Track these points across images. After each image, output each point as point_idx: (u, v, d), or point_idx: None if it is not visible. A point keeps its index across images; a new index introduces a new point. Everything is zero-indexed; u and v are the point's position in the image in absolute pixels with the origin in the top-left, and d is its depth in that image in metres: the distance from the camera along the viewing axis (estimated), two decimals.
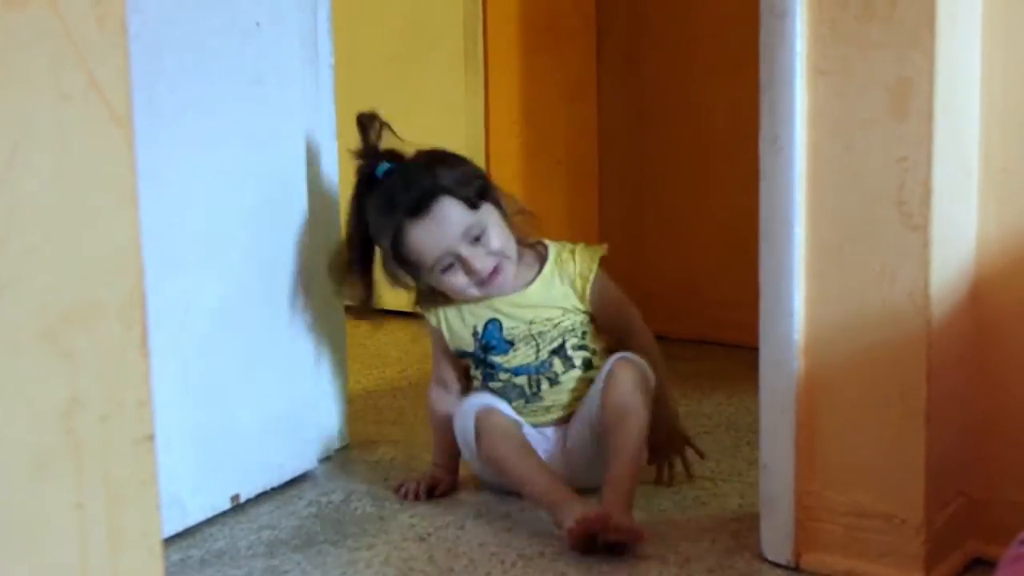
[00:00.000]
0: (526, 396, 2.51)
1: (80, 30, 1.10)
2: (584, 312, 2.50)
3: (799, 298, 2.14)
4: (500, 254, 2.40)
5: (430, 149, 2.48)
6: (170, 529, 2.39)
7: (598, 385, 2.44)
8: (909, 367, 2.06)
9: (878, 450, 2.11)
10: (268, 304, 2.64)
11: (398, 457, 2.89)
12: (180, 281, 2.39)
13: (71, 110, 1.10)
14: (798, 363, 2.14)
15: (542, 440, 2.53)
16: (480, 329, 2.49)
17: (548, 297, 2.48)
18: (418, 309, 2.57)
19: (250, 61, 2.51)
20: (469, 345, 2.52)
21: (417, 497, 2.55)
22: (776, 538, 2.24)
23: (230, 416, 2.56)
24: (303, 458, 2.76)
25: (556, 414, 2.53)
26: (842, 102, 2.08)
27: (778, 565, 2.24)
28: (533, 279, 2.49)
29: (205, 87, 2.42)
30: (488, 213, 2.41)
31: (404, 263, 2.45)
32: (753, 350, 2.24)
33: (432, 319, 2.55)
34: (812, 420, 2.16)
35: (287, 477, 2.72)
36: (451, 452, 2.59)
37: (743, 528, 2.41)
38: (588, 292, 2.49)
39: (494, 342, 2.49)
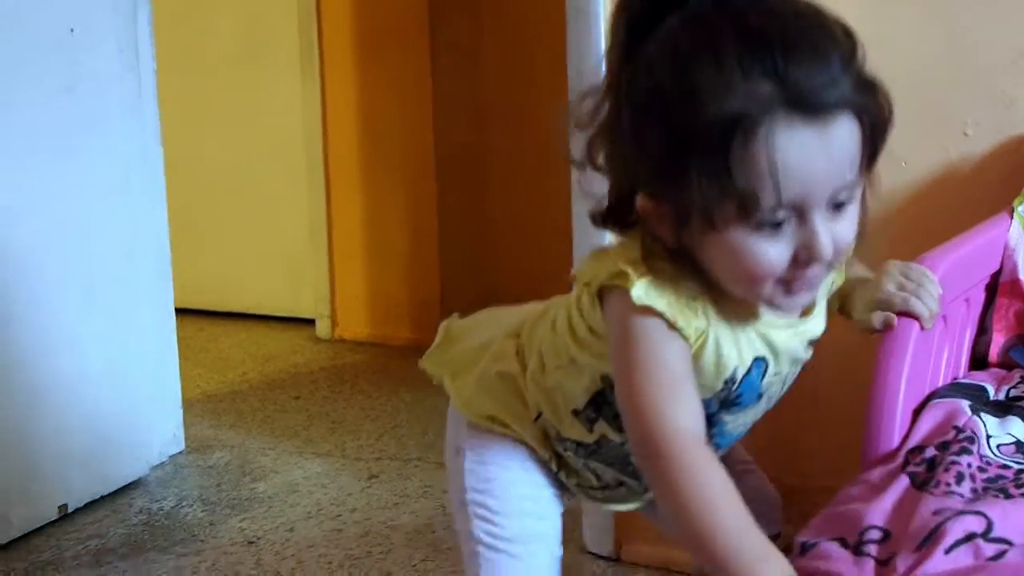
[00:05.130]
0: None
1: None
2: None
3: None
4: (838, 254, 1.18)
5: None
6: None
7: None
8: None
9: None
10: (94, 311, 2.62)
11: (233, 462, 2.89)
12: None
13: None
14: None
15: None
16: (741, 372, 1.29)
17: (820, 325, 1.35)
18: (648, 296, 1.19)
19: (62, 68, 2.49)
20: (708, 392, 1.29)
21: None
22: (598, 531, 2.29)
23: (57, 425, 2.53)
24: (134, 465, 2.74)
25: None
26: None
27: (600, 556, 2.29)
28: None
29: (14, 96, 2.39)
30: (860, 183, 1.18)
31: (712, 171, 1.10)
32: None
33: (689, 326, 1.21)
34: None
35: (118, 485, 2.70)
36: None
37: (567, 523, 2.44)
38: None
39: (745, 395, 1.32)
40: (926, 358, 1.45)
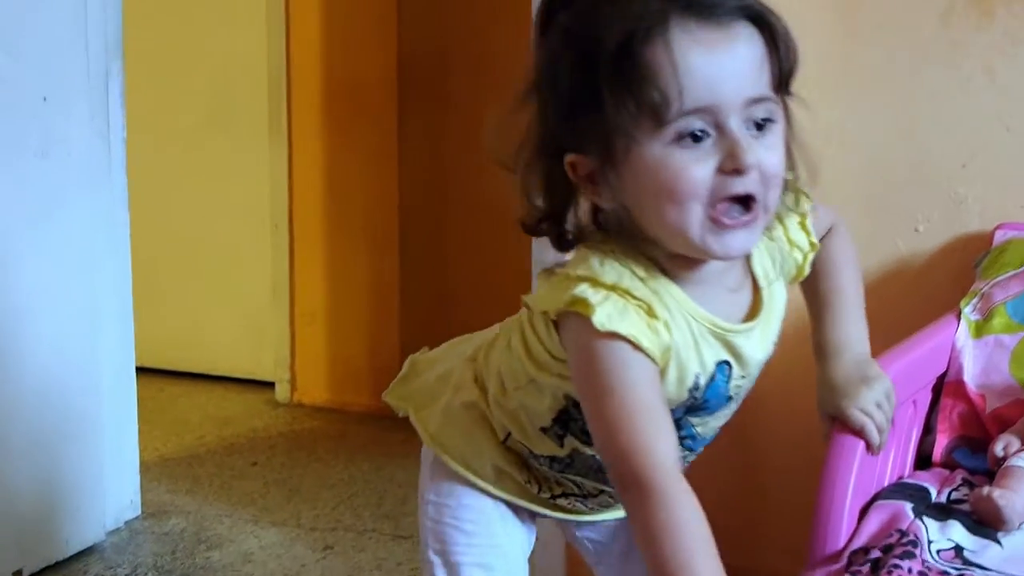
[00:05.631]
0: None
1: None
2: None
3: None
4: (768, 184, 1.20)
5: None
6: None
7: None
8: None
9: None
10: (56, 373, 2.64)
11: (188, 529, 2.89)
12: None
13: None
14: None
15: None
16: (704, 379, 1.29)
17: (779, 313, 1.37)
18: (611, 321, 1.20)
19: (35, 135, 2.53)
20: (673, 403, 1.29)
21: None
22: None
23: (14, 489, 2.53)
24: (91, 530, 2.75)
25: None
26: None
27: None
28: (753, 283, 1.34)
29: None
30: (780, 114, 1.23)
31: (620, 84, 1.17)
32: None
33: (655, 346, 1.22)
34: None
35: (74, 550, 2.69)
36: None
37: None
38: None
39: (712, 401, 1.33)
40: (872, 461, 1.49)
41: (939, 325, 1.83)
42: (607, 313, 1.17)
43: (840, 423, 1.43)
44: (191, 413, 3.88)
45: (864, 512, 1.48)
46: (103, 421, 2.80)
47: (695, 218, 1.16)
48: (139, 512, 2.97)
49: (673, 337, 1.21)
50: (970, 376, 1.78)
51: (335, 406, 3.98)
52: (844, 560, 1.36)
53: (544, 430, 1.36)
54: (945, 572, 1.33)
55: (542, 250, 2.23)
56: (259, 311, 4.14)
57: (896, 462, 1.62)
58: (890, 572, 1.32)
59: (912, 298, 2.16)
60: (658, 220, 1.18)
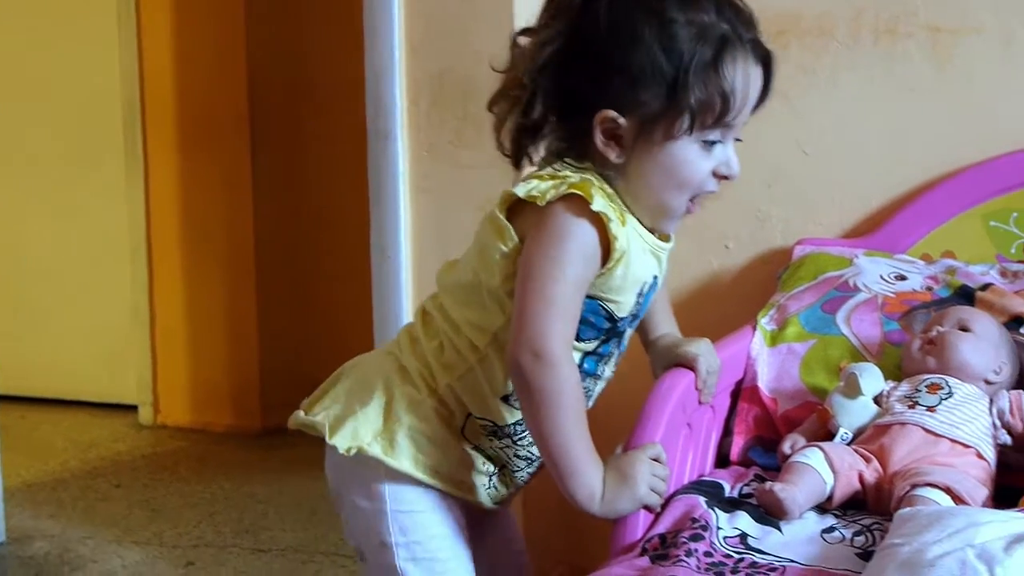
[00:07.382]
0: None
1: None
2: None
3: None
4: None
5: None
6: None
7: None
8: None
9: None
10: None
11: (52, 552, 2.97)
12: None
13: None
14: None
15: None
16: (647, 286, 1.58)
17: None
18: (599, 204, 1.47)
19: None
20: (626, 308, 1.57)
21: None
22: None
23: None
24: None
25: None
26: (441, 217, 2.33)
27: None
28: None
29: None
30: None
31: (695, 87, 1.45)
32: None
33: (618, 240, 1.49)
34: None
35: None
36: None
37: None
38: None
39: (643, 309, 1.63)
40: (670, 463, 1.66)
41: (737, 336, 2.01)
42: (599, 202, 1.44)
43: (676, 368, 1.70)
44: (55, 439, 3.94)
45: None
46: None
47: (682, 204, 1.52)
48: (3, 538, 3.04)
49: (630, 246, 1.49)
50: (764, 382, 1.95)
51: (197, 426, 4.08)
52: (639, 549, 1.51)
53: (506, 399, 1.55)
54: (728, 555, 1.49)
55: (381, 272, 2.38)
56: (120, 336, 4.22)
57: (695, 462, 1.79)
58: (679, 547, 1.48)
59: (724, 309, 2.34)
60: (652, 193, 1.50)
